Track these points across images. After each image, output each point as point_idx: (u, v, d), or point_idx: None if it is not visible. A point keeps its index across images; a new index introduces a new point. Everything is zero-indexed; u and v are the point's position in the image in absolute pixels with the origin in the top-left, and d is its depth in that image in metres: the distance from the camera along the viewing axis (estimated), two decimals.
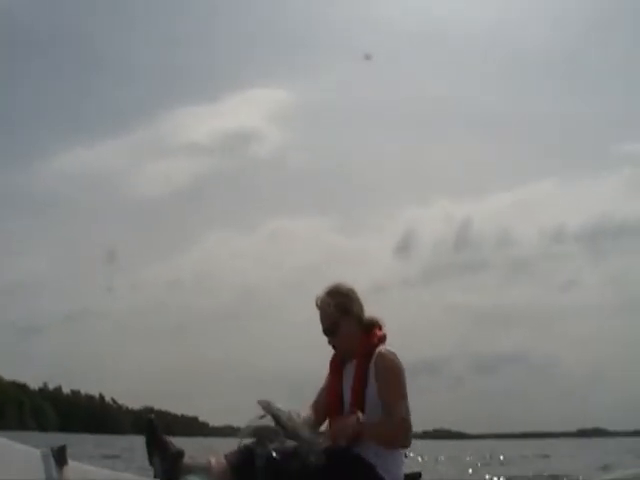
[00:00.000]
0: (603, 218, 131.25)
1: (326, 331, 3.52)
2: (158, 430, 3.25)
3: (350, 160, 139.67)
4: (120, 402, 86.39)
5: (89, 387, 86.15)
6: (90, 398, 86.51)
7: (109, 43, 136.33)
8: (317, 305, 3.54)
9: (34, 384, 79.55)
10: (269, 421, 3.24)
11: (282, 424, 3.20)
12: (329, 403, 3.49)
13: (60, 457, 2.81)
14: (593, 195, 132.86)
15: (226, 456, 3.23)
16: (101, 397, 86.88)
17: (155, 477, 3.22)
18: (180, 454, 3.23)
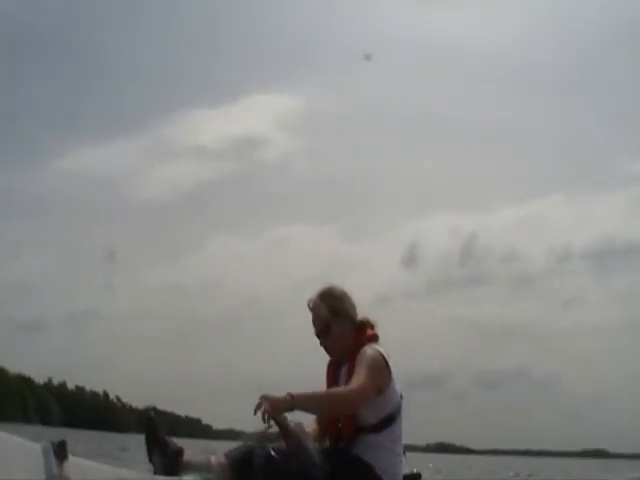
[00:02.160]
0: (610, 237, 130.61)
1: (318, 333, 3.54)
2: (158, 427, 3.26)
3: (357, 169, 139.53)
4: (124, 400, 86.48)
5: (93, 384, 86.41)
6: (94, 395, 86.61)
7: (116, 45, 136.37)
8: (309, 307, 3.56)
9: (39, 379, 79.87)
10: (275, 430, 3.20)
11: (288, 435, 3.17)
12: None
13: (60, 452, 2.78)
14: (600, 213, 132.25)
15: (226, 454, 3.25)
16: (105, 394, 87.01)
17: (155, 474, 3.23)
18: (180, 452, 3.24)
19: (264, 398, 3.10)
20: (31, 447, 2.77)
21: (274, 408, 3.10)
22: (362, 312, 3.60)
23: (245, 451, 3.21)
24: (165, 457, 3.20)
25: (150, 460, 3.25)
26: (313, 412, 3.36)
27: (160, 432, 3.25)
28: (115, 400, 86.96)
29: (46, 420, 68.53)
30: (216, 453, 3.28)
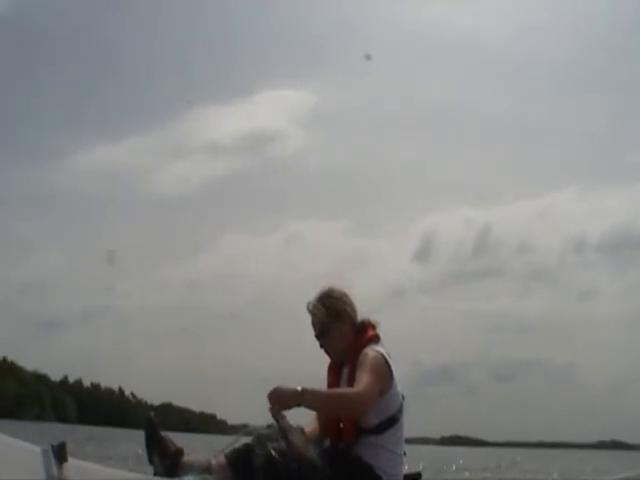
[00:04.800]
0: (624, 228, 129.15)
1: (318, 335, 3.52)
2: (158, 429, 3.27)
3: (370, 164, 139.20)
4: (139, 397, 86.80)
5: (109, 381, 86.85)
6: (110, 391, 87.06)
7: (130, 42, 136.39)
8: (308, 310, 3.54)
9: (55, 376, 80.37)
10: (276, 432, 3.21)
11: (288, 439, 3.18)
12: None
13: (60, 454, 2.80)
14: (614, 205, 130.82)
15: (226, 455, 3.25)
16: (121, 391, 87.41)
17: (155, 475, 3.25)
18: (180, 452, 3.25)
19: (274, 391, 3.12)
20: (31, 449, 2.80)
21: (282, 403, 3.11)
22: (365, 312, 3.57)
23: (245, 451, 3.21)
24: (165, 458, 3.22)
25: (150, 461, 3.27)
26: (319, 411, 3.35)
27: (160, 433, 3.26)
28: (130, 397, 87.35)
29: (62, 417, 68.99)
30: (216, 453, 3.29)
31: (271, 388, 3.13)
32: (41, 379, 76.69)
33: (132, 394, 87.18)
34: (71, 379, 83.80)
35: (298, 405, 3.14)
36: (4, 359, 73.58)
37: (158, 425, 3.29)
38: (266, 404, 3.15)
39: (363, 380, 3.22)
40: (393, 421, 3.36)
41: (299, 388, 3.13)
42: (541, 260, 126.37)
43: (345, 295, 3.56)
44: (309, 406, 3.20)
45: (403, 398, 3.42)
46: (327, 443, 3.43)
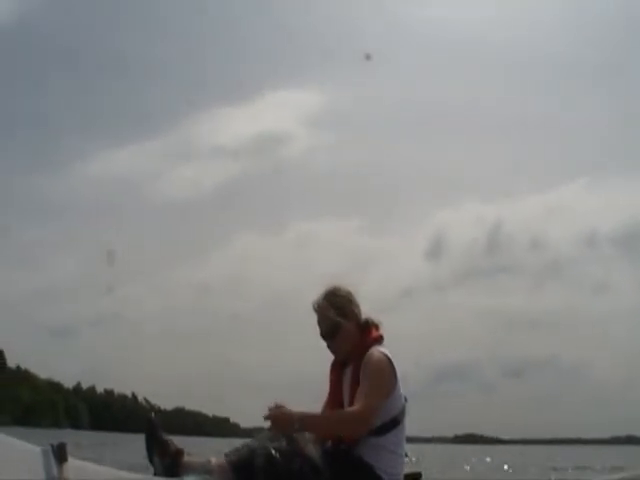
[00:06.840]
0: (638, 220, 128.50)
1: (324, 335, 3.50)
2: (158, 429, 3.27)
3: (380, 162, 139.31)
4: (152, 402, 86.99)
5: (122, 387, 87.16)
6: (123, 397, 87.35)
7: (136, 46, 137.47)
8: (314, 309, 3.52)
9: (68, 383, 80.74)
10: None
11: (292, 437, 3.18)
12: (330, 408, 3.48)
13: (60, 454, 2.82)
14: (627, 196, 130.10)
15: (226, 455, 3.25)
16: (134, 396, 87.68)
17: (155, 475, 3.25)
18: (180, 453, 3.25)
19: (274, 417, 3.15)
20: (31, 450, 2.82)
21: (280, 429, 3.16)
22: (370, 311, 3.57)
23: (246, 451, 3.22)
24: (165, 458, 3.22)
25: (150, 461, 3.27)
26: (321, 434, 3.33)
27: (160, 433, 3.27)
28: (144, 402, 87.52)
29: (76, 424, 69.29)
30: (216, 454, 3.30)
31: (272, 395, 3.18)
32: (55, 386, 77.05)
33: (145, 399, 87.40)
34: (84, 386, 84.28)
35: (298, 431, 3.17)
36: (18, 367, 74.08)
37: (158, 426, 3.30)
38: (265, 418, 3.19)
39: (366, 395, 3.23)
40: (395, 422, 3.35)
41: (299, 415, 3.15)
42: (553, 255, 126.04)
43: (350, 294, 3.55)
44: (310, 431, 3.24)
45: (405, 400, 3.41)
46: (328, 443, 3.42)
